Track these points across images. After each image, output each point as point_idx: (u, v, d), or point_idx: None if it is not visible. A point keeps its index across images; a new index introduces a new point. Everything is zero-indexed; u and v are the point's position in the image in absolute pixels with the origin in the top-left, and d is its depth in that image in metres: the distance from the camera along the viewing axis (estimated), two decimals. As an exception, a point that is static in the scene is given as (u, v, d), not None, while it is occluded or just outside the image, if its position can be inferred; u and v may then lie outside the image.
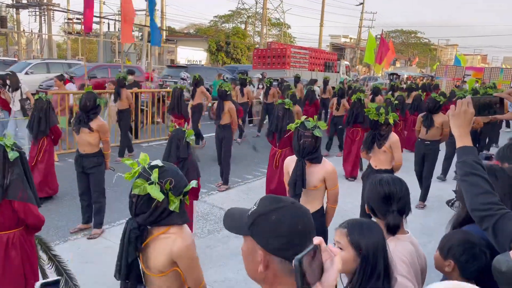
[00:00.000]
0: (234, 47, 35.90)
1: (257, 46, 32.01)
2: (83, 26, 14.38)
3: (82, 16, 12.63)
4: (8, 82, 7.31)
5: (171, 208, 1.84)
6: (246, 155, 8.24)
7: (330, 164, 3.20)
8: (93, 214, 4.70)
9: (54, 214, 5.15)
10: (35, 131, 5.50)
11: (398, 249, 1.85)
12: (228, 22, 43.49)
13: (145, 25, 22.08)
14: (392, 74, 29.43)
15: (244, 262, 1.11)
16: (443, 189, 6.46)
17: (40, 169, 5.45)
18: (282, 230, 0.99)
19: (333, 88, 10.77)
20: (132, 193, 1.84)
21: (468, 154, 1.56)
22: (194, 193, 3.82)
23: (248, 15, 43.72)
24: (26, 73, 13.73)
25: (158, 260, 1.86)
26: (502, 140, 9.27)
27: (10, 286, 2.59)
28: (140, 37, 30.19)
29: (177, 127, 3.88)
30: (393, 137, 4.39)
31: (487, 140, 9.32)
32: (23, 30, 31.60)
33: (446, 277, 1.79)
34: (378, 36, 20.44)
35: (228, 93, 6.68)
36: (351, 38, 60.06)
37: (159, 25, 20.05)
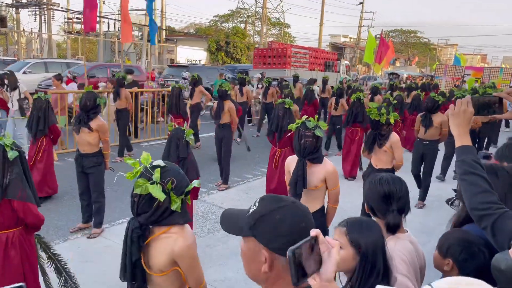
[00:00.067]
0: (234, 46, 35.88)
1: (257, 45, 31.99)
2: (82, 26, 14.35)
3: (82, 16, 12.59)
4: (6, 81, 7.29)
5: (173, 208, 1.84)
6: (246, 154, 8.24)
7: (331, 164, 3.21)
8: (93, 213, 4.70)
9: (54, 214, 5.15)
10: (34, 131, 5.50)
11: (397, 248, 1.85)
12: (228, 21, 43.47)
13: (145, 25, 22.03)
14: (392, 73, 29.37)
15: (244, 263, 1.10)
16: (443, 188, 6.47)
17: (39, 169, 5.45)
18: (283, 230, 1.00)
19: (333, 87, 10.78)
20: (134, 192, 1.84)
21: (467, 153, 1.56)
22: (194, 193, 3.83)
23: (248, 14, 43.72)
24: (24, 73, 13.65)
25: (159, 259, 1.86)
26: (501, 140, 9.27)
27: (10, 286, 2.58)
28: (140, 37, 30.16)
29: (176, 126, 3.88)
30: (394, 137, 4.40)
31: (486, 139, 9.33)
32: (23, 29, 31.52)
33: (445, 276, 1.79)
34: (378, 36, 20.40)
35: (228, 92, 6.69)
36: (350, 38, 60.09)
37: (159, 24, 20.05)
